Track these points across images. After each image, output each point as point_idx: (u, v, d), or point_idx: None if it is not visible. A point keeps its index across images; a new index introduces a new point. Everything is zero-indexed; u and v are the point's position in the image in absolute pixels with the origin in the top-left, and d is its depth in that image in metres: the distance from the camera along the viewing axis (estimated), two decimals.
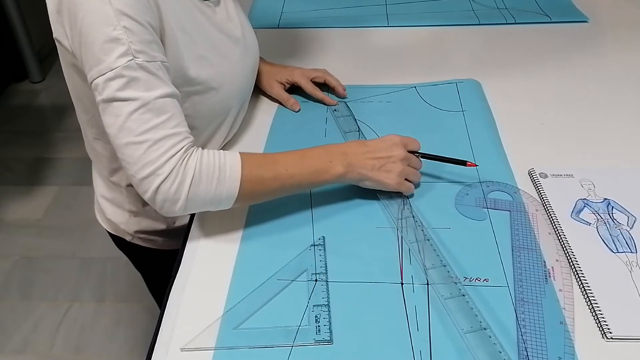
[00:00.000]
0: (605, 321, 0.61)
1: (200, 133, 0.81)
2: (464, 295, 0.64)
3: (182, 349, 0.61)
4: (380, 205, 0.77)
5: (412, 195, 0.78)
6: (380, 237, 0.72)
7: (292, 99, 0.97)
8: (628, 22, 1.22)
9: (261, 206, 0.77)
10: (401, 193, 0.77)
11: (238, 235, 0.74)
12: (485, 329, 0.60)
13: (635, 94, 0.99)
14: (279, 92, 0.97)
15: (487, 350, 0.58)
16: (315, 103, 0.98)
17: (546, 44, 1.14)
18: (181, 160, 0.64)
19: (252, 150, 0.86)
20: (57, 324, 1.68)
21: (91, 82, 0.63)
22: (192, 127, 0.77)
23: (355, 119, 0.93)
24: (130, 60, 0.61)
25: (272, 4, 1.34)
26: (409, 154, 0.76)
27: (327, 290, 0.66)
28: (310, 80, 0.98)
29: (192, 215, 0.77)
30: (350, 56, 1.13)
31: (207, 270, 0.70)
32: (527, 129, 0.91)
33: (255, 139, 0.90)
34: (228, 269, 0.69)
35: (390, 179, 0.74)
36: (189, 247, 0.73)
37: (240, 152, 0.69)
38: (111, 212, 0.91)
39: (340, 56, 1.13)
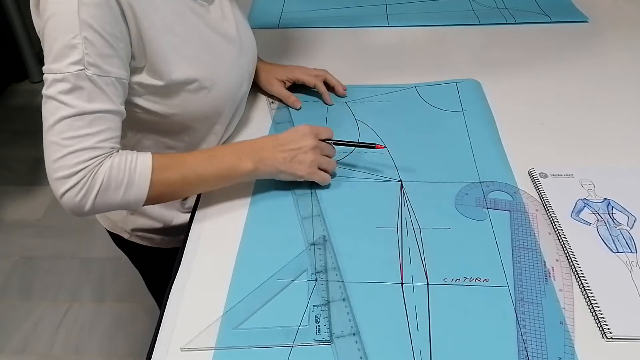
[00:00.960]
0: (605, 321, 0.61)
1: (195, 132, 0.82)
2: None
3: (182, 349, 0.61)
4: (380, 205, 0.77)
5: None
6: (380, 237, 0.72)
7: (293, 96, 0.97)
8: (628, 22, 1.22)
9: (261, 206, 0.77)
10: (316, 184, 0.79)
11: (238, 235, 0.74)
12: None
13: (636, 94, 0.99)
14: (279, 89, 0.97)
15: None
16: (314, 103, 0.98)
17: (546, 44, 1.14)
18: (91, 171, 0.66)
19: None
20: (57, 324, 1.68)
21: (43, 72, 0.66)
22: (185, 127, 0.81)
23: (290, 112, 0.96)
24: (81, 70, 0.64)
25: (272, 4, 1.34)
26: (321, 142, 0.78)
27: (327, 290, 0.66)
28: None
29: (192, 215, 0.77)
30: (350, 56, 1.13)
31: (207, 270, 0.70)
32: (527, 129, 0.91)
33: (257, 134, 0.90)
34: (228, 269, 0.69)
35: (301, 170, 0.76)
36: (189, 247, 0.73)
37: (152, 154, 0.71)
38: None
39: (340, 56, 1.13)
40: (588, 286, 0.64)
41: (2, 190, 2.14)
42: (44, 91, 0.65)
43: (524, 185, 0.79)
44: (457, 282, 0.66)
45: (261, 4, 1.34)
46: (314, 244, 0.71)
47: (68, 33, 0.63)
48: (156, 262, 0.98)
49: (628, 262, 0.67)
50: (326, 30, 1.22)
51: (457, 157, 0.84)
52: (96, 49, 0.64)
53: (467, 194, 0.78)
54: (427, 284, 0.66)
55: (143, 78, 0.72)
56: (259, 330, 0.62)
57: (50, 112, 0.65)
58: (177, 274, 0.69)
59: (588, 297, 0.64)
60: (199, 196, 0.80)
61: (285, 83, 0.98)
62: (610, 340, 0.60)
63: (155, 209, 0.90)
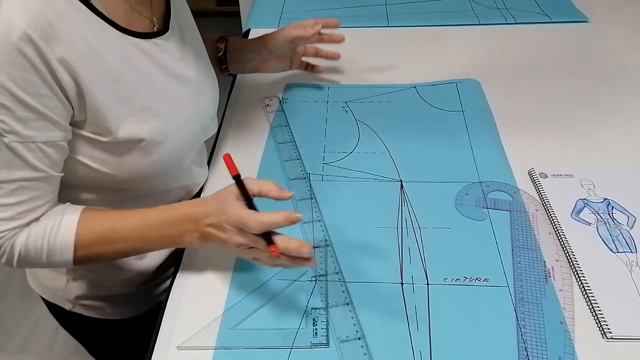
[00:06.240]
0: (605, 321, 0.61)
1: (150, 191, 0.73)
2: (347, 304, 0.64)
3: (179, 348, 0.61)
4: (380, 205, 0.77)
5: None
6: (380, 237, 0.72)
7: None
8: (628, 22, 1.22)
9: (261, 207, 0.77)
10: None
11: None
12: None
13: (635, 94, 0.99)
14: (276, 65, 0.97)
15: None
16: (315, 103, 0.98)
17: (546, 44, 1.14)
18: (8, 242, 0.61)
19: (250, 154, 0.86)
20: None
21: None
22: (140, 184, 0.71)
23: (286, 116, 0.94)
24: None
25: (272, 4, 1.34)
26: (253, 238, 0.60)
27: (327, 292, 0.66)
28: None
29: None
30: (351, 56, 1.13)
31: (207, 270, 0.70)
32: (527, 129, 0.91)
33: (256, 139, 0.90)
34: (228, 269, 0.69)
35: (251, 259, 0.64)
36: (189, 247, 0.73)
37: (79, 222, 0.63)
38: (46, 275, 0.82)
39: (340, 56, 1.13)
40: (588, 286, 0.64)
41: None
42: None
43: (524, 185, 0.79)
44: (457, 282, 0.66)
45: (261, 4, 1.34)
46: (314, 247, 0.71)
47: None
48: (107, 336, 0.87)
49: (628, 262, 0.67)
50: (326, 30, 1.22)
51: (457, 157, 0.84)
52: (14, 113, 0.55)
53: (467, 194, 0.78)
54: (427, 284, 0.66)
55: (84, 132, 0.62)
56: (256, 332, 0.62)
57: None
58: (177, 274, 0.69)
59: (588, 297, 0.64)
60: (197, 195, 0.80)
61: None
62: (610, 340, 0.60)
63: (106, 272, 0.79)
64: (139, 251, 0.67)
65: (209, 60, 0.80)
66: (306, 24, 0.94)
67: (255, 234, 0.59)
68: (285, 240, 0.58)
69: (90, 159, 0.64)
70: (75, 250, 0.63)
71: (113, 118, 0.62)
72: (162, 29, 0.69)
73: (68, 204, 0.65)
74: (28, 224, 0.62)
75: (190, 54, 0.73)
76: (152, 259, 0.81)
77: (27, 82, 0.54)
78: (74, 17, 0.57)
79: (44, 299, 0.86)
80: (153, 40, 0.67)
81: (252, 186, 0.61)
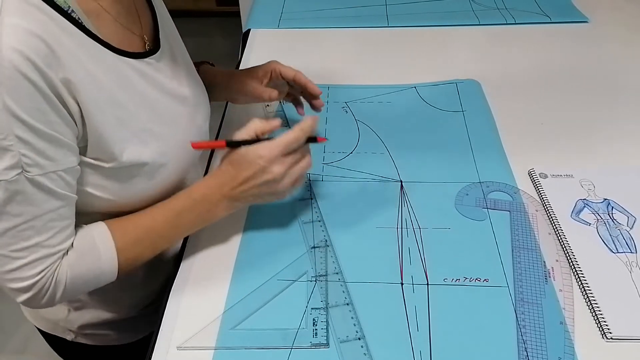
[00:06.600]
0: (605, 321, 0.61)
1: None
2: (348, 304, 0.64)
3: (179, 348, 0.61)
4: (380, 205, 0.77)
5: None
6: (380, 237, 0.72)
7: (269, 90, 0.84)
8: (628, 22, 1.22)
9: (261, 207, 0.77)
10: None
11: (238, 236, 0.74)
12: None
13: (635, 94, 0.99)
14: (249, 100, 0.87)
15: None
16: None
17: (546, 44, 1.14)
18: (52, 276, 0.59)
19: None
20: None
21: None
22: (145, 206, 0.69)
23: (287, 117, 0.94)
24: (19, 174, 0.53)
25: (272, 4, 1.34)
26: (287, 157, 0.66)
27: (327, 292, 0.66)
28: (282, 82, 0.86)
29: None
30: (350, 56, 1.13)
31: (207, 270, 0.70)
32: (527, 129, 0.91)
33: None
34: (228, 269, 0.69)
35: (281, 197, 0.69)
36: (189, 247, 0.73)
37: (112, 233, 0.63)
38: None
39: (340, 56, 1.13)
40: (588, 286, 0.64)
41: None
42: None
43: (524, 185, 0.79)
44: (457, 282, 0.66)
45: (261, 4, 1.34)
46: (314, 247, 0.71)
47: None
48: None
49: (628, 262, 0.67)
50: (326, 30, 1.22)
51: (457, 157, 0.85)
52: (33, 145, 0.53)
53: (467, 194, 0.78)
54: (427, 284, 0.66)
55: (86, 159, 0.61)
56: (256, 332, 0.62)
57: None
58: (177, 274, 0.69)
59: (588, 297, 0.64)
60: None
61: (261, 80, 0.84)
62: (610, 340, 0.60)
63: (115, 297, 0.78)
64: (174, 241, 0.69)
65: (199, 76, 0.79)
66: (273, 78, 0.84)
67: (297, 150, 0.66)
68: (310, 128, 0.67)
69: (92, 186, 0.63)
70: (119, 263, 0.63)
71: (115, 142, 0.61)
72: (154, 48, 0.68)
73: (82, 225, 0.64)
74: (66, 252, 0.61)
75: (182, 71, 0.72)
76: (159, 279, 0.81)
77: (38, 111, 0.53)
78: (69, 41, 0.56)
79: (42, 332, 0.84)
80: (146, 60, 0.65)
81: (249, 133, 0.67)
